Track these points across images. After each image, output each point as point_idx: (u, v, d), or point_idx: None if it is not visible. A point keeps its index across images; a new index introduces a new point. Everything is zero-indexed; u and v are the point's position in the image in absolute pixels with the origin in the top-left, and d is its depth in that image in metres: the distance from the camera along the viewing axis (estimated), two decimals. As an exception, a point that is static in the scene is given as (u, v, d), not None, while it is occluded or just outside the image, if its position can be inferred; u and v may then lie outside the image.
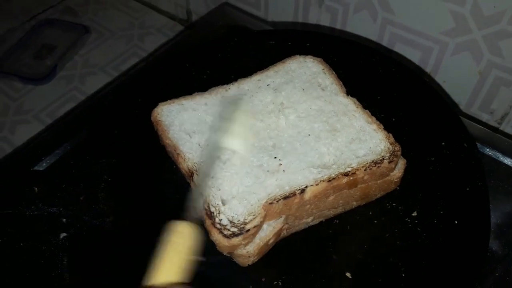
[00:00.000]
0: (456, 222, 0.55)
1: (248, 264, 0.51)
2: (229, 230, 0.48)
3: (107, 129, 0.64)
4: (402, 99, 0.68)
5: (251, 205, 0.50)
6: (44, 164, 0.66)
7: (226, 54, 0.72)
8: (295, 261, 0.54)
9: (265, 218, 0.50)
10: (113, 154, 0.60)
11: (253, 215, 0.49)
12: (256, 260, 0.51)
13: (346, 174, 0.52)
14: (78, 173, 0.58)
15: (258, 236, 0.50)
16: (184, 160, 0.56)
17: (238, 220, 0.49)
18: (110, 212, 0.55)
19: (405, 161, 0.57)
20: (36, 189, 0.56)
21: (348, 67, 0.70)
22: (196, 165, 0.55)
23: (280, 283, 0.52)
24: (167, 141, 0.58)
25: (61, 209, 0.54)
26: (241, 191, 0.52)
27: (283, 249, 0.54)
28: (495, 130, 0.88)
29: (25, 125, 1.02)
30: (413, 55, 0.91)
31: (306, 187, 0.51)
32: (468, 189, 0.57)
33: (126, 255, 0.53)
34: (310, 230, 0.56)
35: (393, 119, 0.65)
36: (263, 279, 0.52)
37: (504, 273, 0.60)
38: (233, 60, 0.69)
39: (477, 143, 0.67)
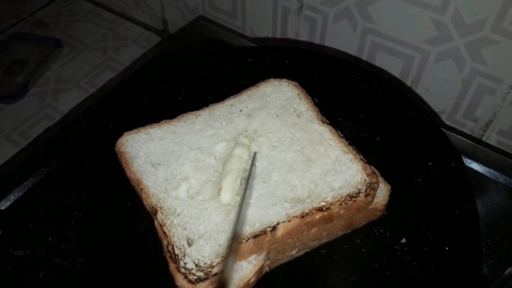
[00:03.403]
0: (446, 248, 0.53)
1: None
2: (194, 274, 0.45)
3: (77, 160, 0.60)
4: (385, 117, 0.65)
5: (219, 245, 0.47)
6: (12, 197, 0.62)
7: (202, 73, 0.68)
8: (280, 296, 0.51)
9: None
10: (83, 187, 0.57)
11: (221, 257, 0.46)
12: (238, 300, 0.48)
13: (320, 209, 0.50)
14: (46, 211, 0.55)
15: (237, 276, 0.47)
16: (148, 196, 0.52)
17: (205, 263, 0.46)
18: (81, 252, 0.52)
19: (389, 187, 0.54)
20: (0, 231, 0.52)
21: (329, 84, 0.67)
22: (160, 201, 0.51)
23: (265, 322, 0.49)
24: (130, 175, 0.54)
25: (28, 252, 0.51)
26: (209, 229, 0.48)
27: (267, 285, 0.51)
28: (479, 141, 0.87)
29: (-3, 147, 0.97)
30: (395, 64, 0.89)
31: (278, 223, 0.48)
32: (457, 212, 0.55)
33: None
34: (295, 262, 0.53)
35: (377, 138, 0.63)
36: (247, 320, 0.49)
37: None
38: (209, 80, 0.66)
39: (462, 156, 0.65)
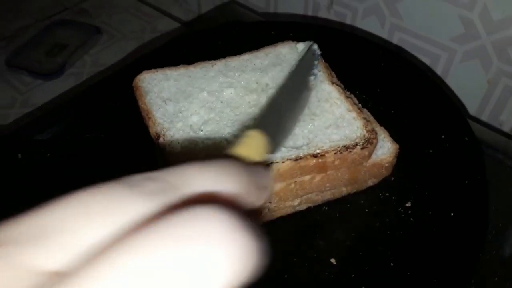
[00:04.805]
0: (452, 214, 0.52)
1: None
2: None
3: (97, 107, 0.62)
4: (402, 92, 0.66)
5: None
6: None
7: (227, 42, 0.71)
8: (278, 243, 0.51)
9: None
10: (101, 129, 0.59)
11: None
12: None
13: (315, 156, 0.50)
14: (65, 145, 0.57)
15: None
16: (154, 124, 0.55)
17: None
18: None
19: (397, 146, 0.54)
20: (19, 155, 0.54)
21: (349, 59, 0.69)
22: (164, 130, 0.54)
23: (260, 265, 0.49)
24: (142, 105, 0.58)
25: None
26: None
27: (266, 231, 0.52)
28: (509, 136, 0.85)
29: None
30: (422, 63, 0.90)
31: (271, 163, 0.49)
32: (466, 182, 0.54)
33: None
34: (297, 215, 0.54)
35: (392, 111, 0.63)
36: (242, 260, 0.49)
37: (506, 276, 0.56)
38: (232, 48, 0.68)
39: (489, 149, 0.64)
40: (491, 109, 0.86)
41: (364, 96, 0.63)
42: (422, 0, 0.83)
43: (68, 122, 0.60)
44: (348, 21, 0.95)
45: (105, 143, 0.58)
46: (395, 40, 0.91)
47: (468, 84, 0.86)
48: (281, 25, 0.75)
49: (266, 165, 0.29)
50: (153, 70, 0.60)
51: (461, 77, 0.86)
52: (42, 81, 1.11)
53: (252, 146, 0.31)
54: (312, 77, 0.48)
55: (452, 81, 0.88)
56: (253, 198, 0.23)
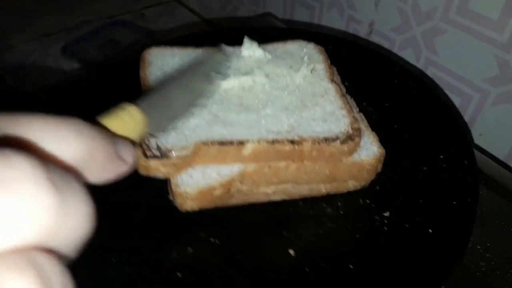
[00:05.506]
0: (430, 230, 0.48)
1: (187, 211, 0.48)
2: (151, 152, 0.46)
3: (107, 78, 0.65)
4: (410, 110, 0.63)
5: (186, 139, 0.48)
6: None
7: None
8: (241, 226, 0.50)
9: (194, 157, 0.48)
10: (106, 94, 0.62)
11: (182, 147, 0.47)
12: (195, 207, 0.48)
13: (292, 142, 0.49)
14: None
15: (202, 181, 0.47)
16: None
17: (166, 147, 0.47)
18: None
19: (383, 151, 0.52)
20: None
21: (363, 72, 0.68)
22: None
23: (217, 241, 0.47)
24: (142, 75, 0.60)
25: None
26: (185, 127, 0.50)
27: (233, 213, 0.51)
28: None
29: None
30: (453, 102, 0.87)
31: (248, 141, 0.49)
32: (454, 203, 0.51)
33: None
34: (269, 204, 0.52)
35: (395, 126, 0.61)
36: (201, 233, 0.48)
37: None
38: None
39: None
40: (521, 157, 0.81)
41: (370, 108, 0.62)
42: (459, 38, 0.81)
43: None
44: (384, 51, 0.94)
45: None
46: (428, 75, 0.89)
47: (499, 128, 0.82)
48: (304, 33, 0.75)
49: (131, 141, 0.29)
50: (162, 46, 0.63)
51: (492, 120, 0.82)
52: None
53: (124, 120, 0.30)
54: (213, 73, 0.48)
55: (483, 123, 0.84)
56: (99, 167, 0.22)
